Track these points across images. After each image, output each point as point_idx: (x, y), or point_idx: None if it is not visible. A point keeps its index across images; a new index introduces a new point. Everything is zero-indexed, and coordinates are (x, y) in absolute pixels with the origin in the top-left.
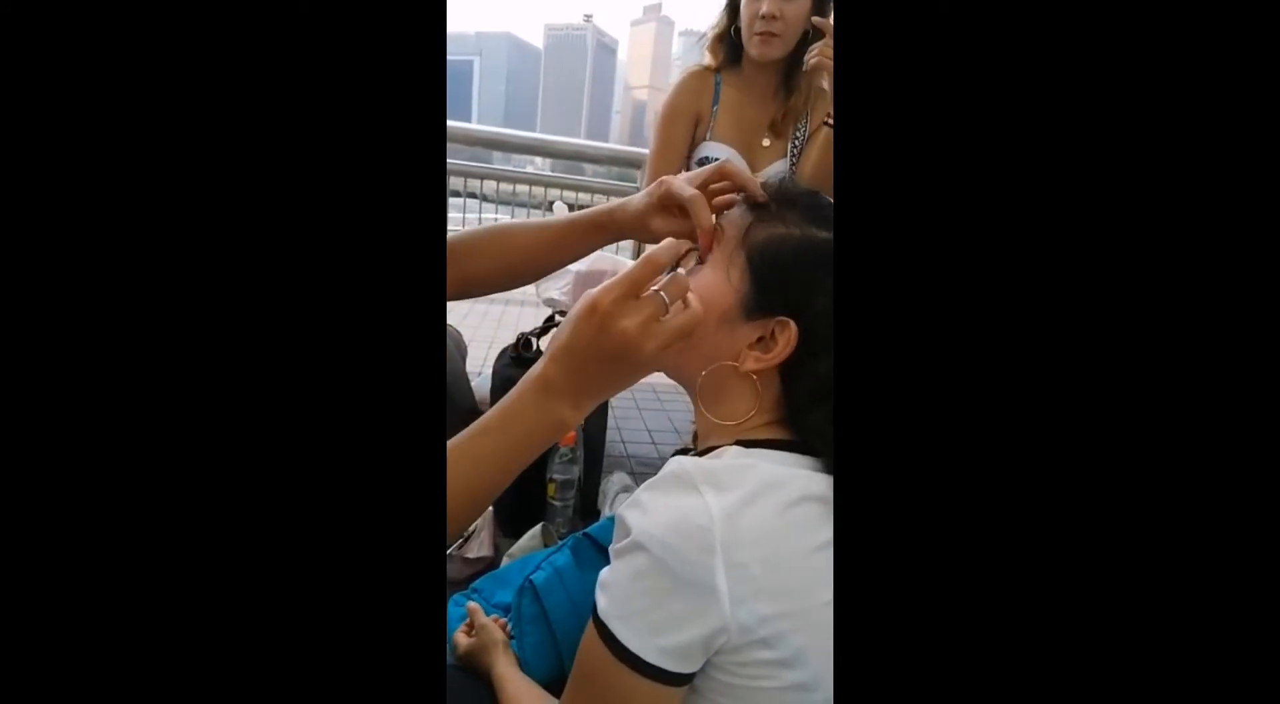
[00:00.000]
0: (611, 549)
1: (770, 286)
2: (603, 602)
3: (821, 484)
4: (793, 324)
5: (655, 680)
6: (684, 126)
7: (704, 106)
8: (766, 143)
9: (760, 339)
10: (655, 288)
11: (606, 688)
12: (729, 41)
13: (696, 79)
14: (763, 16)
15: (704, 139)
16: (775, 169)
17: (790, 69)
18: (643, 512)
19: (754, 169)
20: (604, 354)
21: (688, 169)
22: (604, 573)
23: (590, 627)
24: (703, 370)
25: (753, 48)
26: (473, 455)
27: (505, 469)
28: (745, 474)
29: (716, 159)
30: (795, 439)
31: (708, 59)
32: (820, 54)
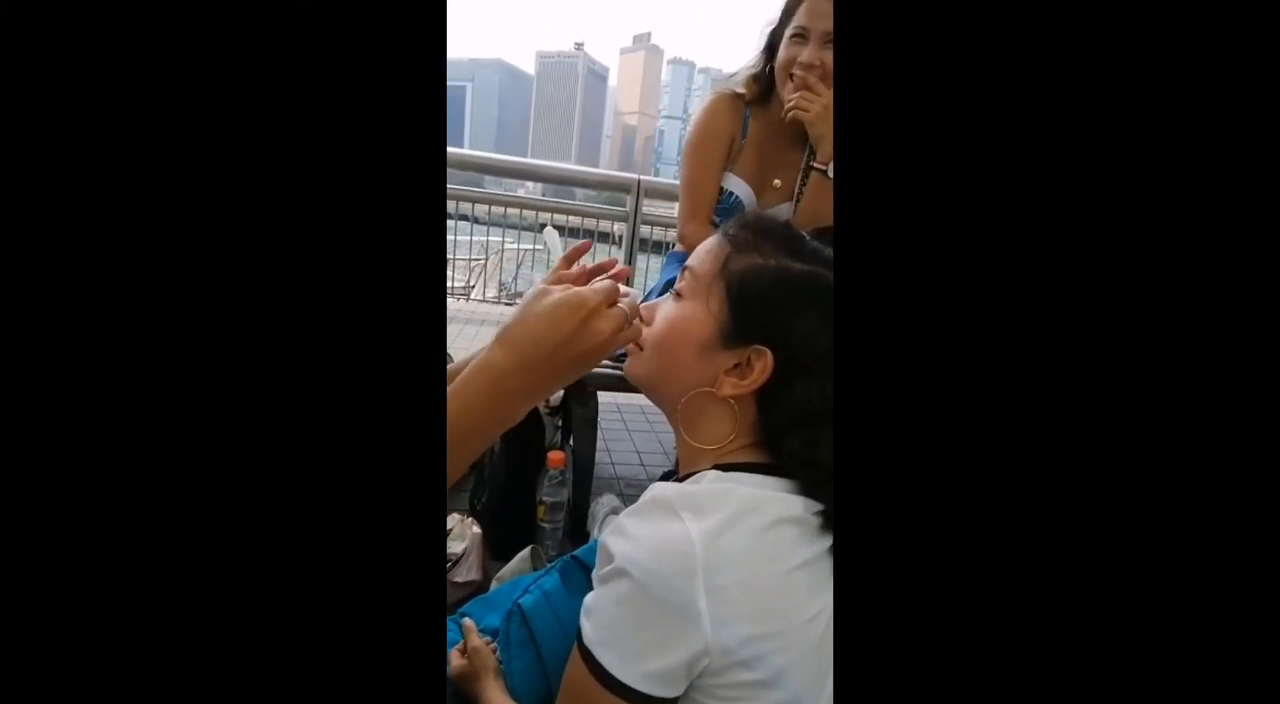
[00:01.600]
0: (595, 576)
1: (747, 316)
2: (587, 628)
3: (797, 506)
4: (768, 352)
5: None
6: (722, 147)
7: (736, 132)
8: (777, 184)
9: (737, 366)
10: (622, 302)
11: None
12: (764, 80)
13: (729, 104)
14: (802, 63)
15: (728, 168)
16: (781, 210)
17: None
18: (625, 538)
19: (763, 208)
20: (577, 351)
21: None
22: (588, 599)
23: (575, 653)
24: (683, 397)
25: (787, 93)
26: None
27: (463, 443)
28: (723, 498)
29: (735, 195)
30: (771, 462)
31: (741, 90)
32: (796, 106)
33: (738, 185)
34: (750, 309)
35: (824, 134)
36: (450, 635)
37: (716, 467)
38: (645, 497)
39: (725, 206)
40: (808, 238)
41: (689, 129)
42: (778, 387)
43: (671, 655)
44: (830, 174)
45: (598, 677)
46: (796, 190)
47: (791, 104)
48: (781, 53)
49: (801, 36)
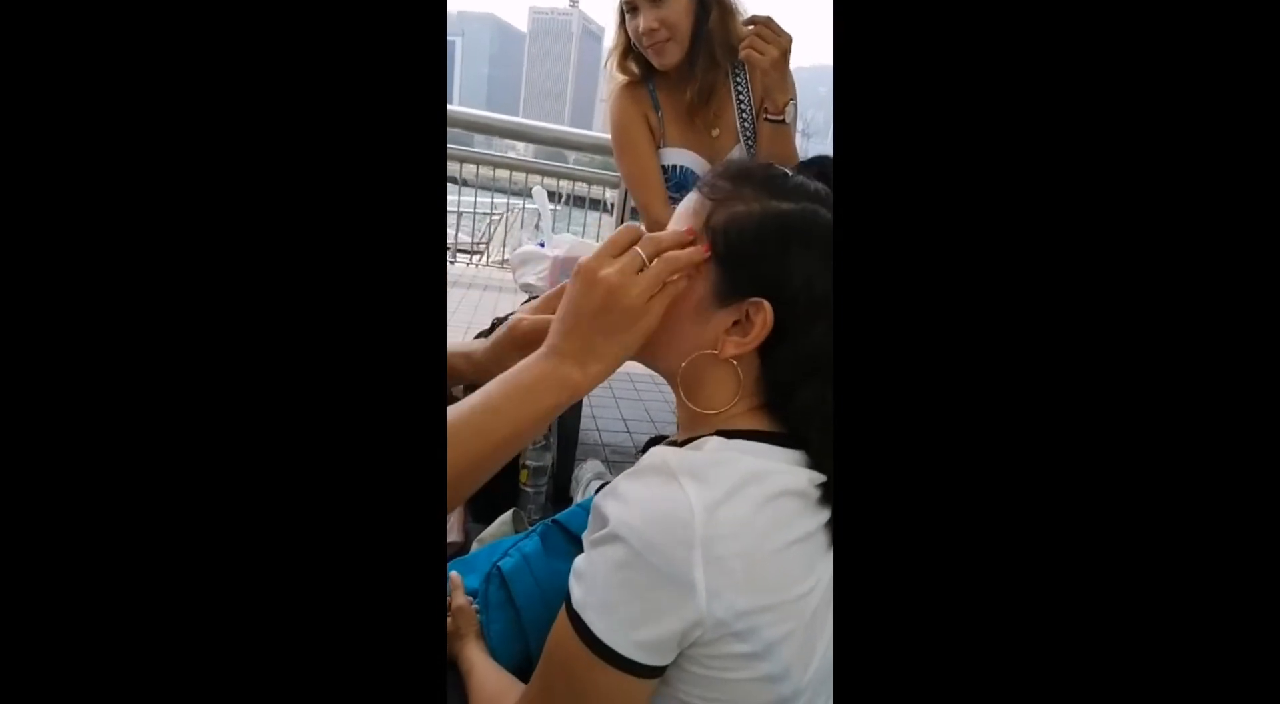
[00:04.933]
0: (587, 538)
1: (739, 268)
2: (577, 592)
3: (802, 479)
4: (767, 304)
5: (628, 673)
6: (645, 137)
7: (649, 111)
8: (716, 133)
9: (736, 323)
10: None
11: (577, 680)
12: (636, 53)
13: (630, 92)
14: (643, 32)
15: (660, 146)
16: (735, 155)
17: (694, 56)
18: (621, 502)
19: (713, 162)
20: (593, 307)
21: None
22: (578, 562)
23: (562, 617)
24: (682, 362)
25: (653, 60)
26: (485, 433)
27: (518, 441)
28: (726, 468)
29: (679, 166)
30: (777, 430)
31: (621, 76)
32: (749, 47)
33: (679, 155)
34: (740, 261)
35: (776, 82)
36: None
37: (720, 433)
38: (644, 460)
39: (676, 181)
40: (790, 173)
41: (610, 128)
42: (781, 338)
43: (664, 625)
44: (786, 121)
45: (587, 642)
46: (740, 133)
47: (746, 46)
48: (627, 30)
49: (632, 8)
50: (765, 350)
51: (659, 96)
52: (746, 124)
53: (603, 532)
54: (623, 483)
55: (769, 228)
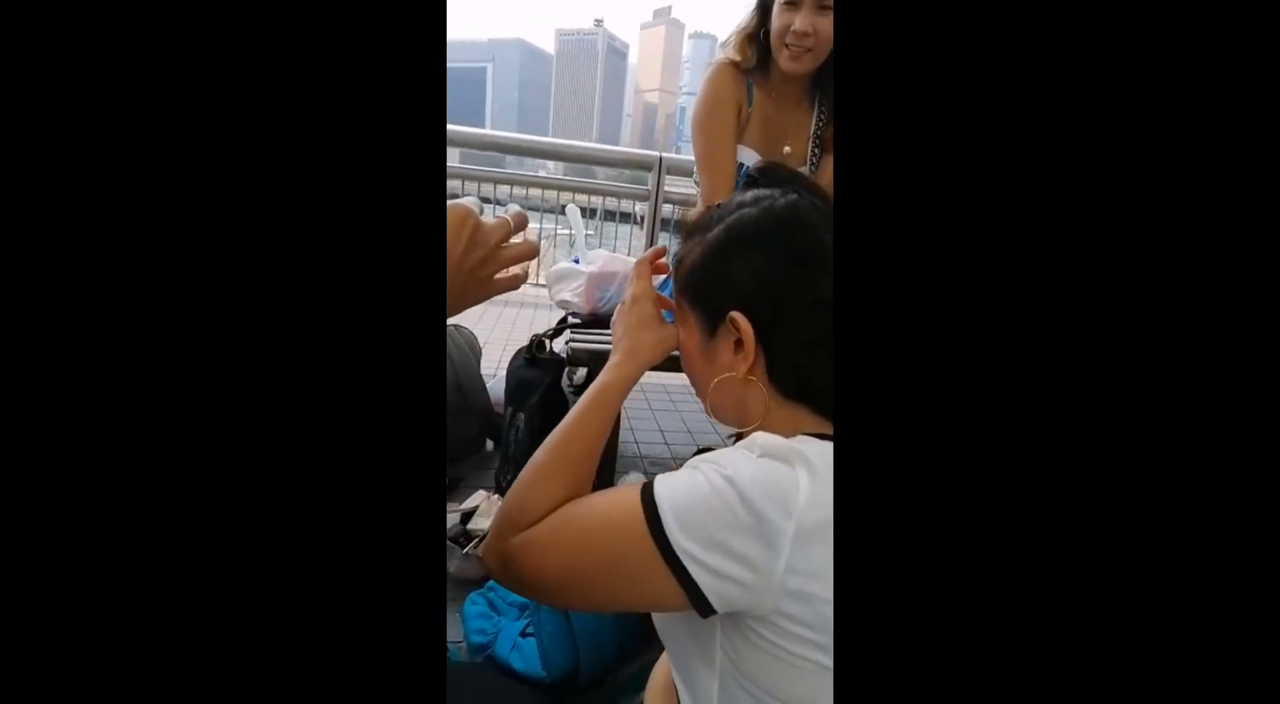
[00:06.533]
0: (689, 464)
1: (705, 300)
2: (664, 490)
3: None
4: (737, 313)
5: (678, 581)
6: (733, 116)
7: (742, 101)
8: (788, 150)
9: (737, 343)
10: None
11: (622, 560)
12: (759, 44)
13: (731, 73)
14: (796, 32)
15: (737, 140)
16: None
17: (819, 78)
18: (735, 462)
19: None
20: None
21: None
22: (672, 474)
23: (633, 502)
24: (721, 399)
25: (783, 61)
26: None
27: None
28: (829, 463)
29: (742, 164)
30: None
31: (735, 56)
32: None
33: (748, 156)
34: (703, 293)
35: None
36: (474, 610)
37: (816, 435)
38: (750, 439)
39: (739, 180)
40: (721, 204)
41: (696, 103)
42: (771, 335)
43: (734, 567)
44: None
45: (654, 535)
46: (809, 156)
47: None
48: (775, 19)
49: (793, 4)
50: (767, 352)
51: (755, 92)
52: (815, 150)
53: (709, 465)
54: (730, 450)
55: (709, 254)
